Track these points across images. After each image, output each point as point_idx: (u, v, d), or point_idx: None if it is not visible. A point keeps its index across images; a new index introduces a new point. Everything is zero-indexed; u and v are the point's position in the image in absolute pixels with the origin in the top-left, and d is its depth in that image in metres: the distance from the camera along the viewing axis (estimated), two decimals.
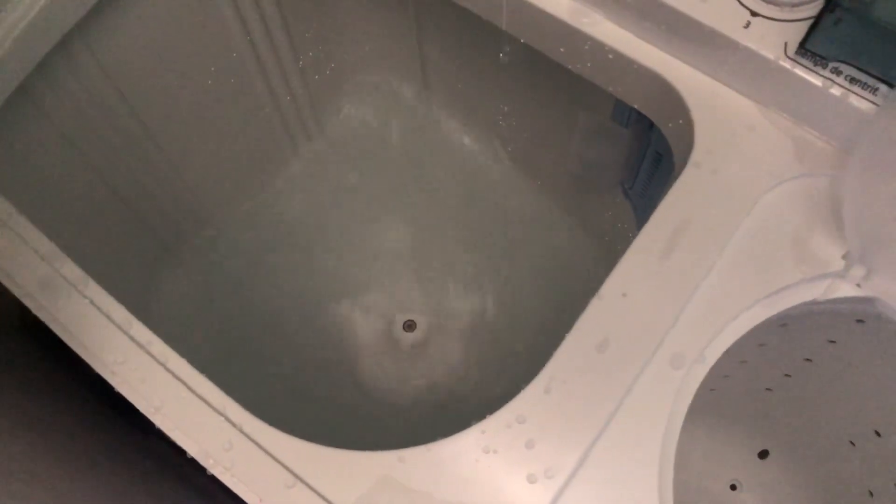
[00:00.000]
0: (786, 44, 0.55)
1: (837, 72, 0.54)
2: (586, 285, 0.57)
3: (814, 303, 0.54)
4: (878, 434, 0.70)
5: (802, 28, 0.54)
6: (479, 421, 0.50)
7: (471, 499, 0.48)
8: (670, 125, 0.62)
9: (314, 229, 1.05)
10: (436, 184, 1.07)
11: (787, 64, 0.55)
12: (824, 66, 0.54)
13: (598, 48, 0.62)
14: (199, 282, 0.98)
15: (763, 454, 0.87)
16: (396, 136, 1.07)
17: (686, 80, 0.60)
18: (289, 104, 0.97)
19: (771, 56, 0.55)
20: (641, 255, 0.54)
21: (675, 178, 0.57)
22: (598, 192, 0.92)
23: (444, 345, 1.01)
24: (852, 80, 0.53)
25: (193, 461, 0.50)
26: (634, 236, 0.55)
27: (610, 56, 0.62)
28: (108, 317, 0.54)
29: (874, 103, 0.53)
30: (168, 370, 0.52)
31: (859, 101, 0.53)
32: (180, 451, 0.50)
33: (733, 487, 0.87)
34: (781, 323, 0.56)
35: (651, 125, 0.70)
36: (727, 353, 0.52)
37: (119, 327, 0.53)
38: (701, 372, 0.51)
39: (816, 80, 0.54)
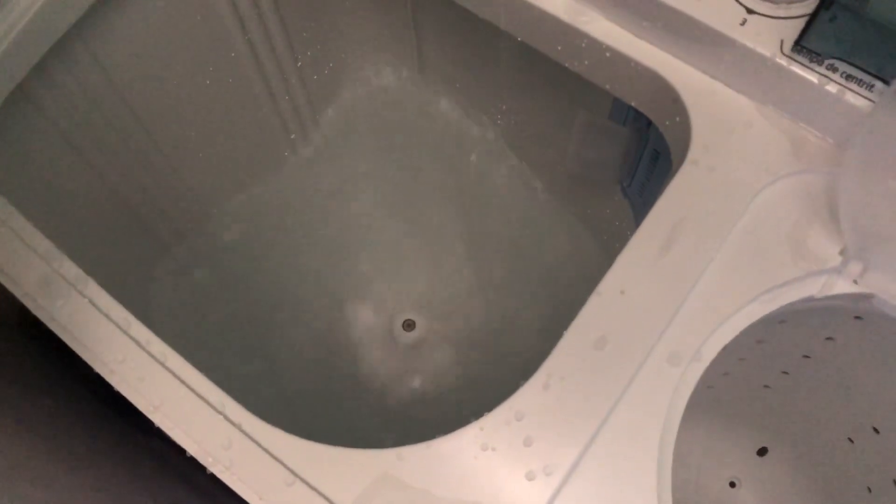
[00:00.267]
0: (782, 41, 0.55)
1: (833, 69, 0.54)
2: (585, 283, 0.57)
3: (811, 299, 0.54)
4: (876, 431, 0.71)
5: (798, 25, 0.55)
6: (477, 418, 0.50)
7: (469, 496, 0.48)
8: (667, 123, 0.62)
9: (313, 228, 1.06)
10: (435, 183, 1.07)
11: (783, 61, 0.55)
12: (820, 63, 0.54)
13: (595, 46, 0.62)
14: (197, 281, 0.98)
15: (762, 451, 0.87)
16: (395, 135, 1.07)
17: (683, 78, 0.60)
18: (287, 104, 0.97)
19: (767, 53, 0.55)
20: (639, 252, 0.54)
21: (673, 175, 0.57)
22: (596, 191, 0.92)
23: (442, 343, 1.01)
24: (848, 77, 0.54)
25: (193, 460, 0.50)
26: (632, 234, 0.55)
27: (607, 54, 0.62)
28: (108, 316, 0.54)
29: (870, 100, 0.53)
30: (167, 369, 0.52)
31: (855, 98, 0.53)
32: (180, 450, 0.50)
33: (732, 484, 0.87)
34: (779, 320, 0.56)
35: (649, 123, 0.70)
36: (725, 349, 0.52)
37: (118, 326, 0.53)
38: (699, 369, 0.51)
39: (812, 77, 0.54)
